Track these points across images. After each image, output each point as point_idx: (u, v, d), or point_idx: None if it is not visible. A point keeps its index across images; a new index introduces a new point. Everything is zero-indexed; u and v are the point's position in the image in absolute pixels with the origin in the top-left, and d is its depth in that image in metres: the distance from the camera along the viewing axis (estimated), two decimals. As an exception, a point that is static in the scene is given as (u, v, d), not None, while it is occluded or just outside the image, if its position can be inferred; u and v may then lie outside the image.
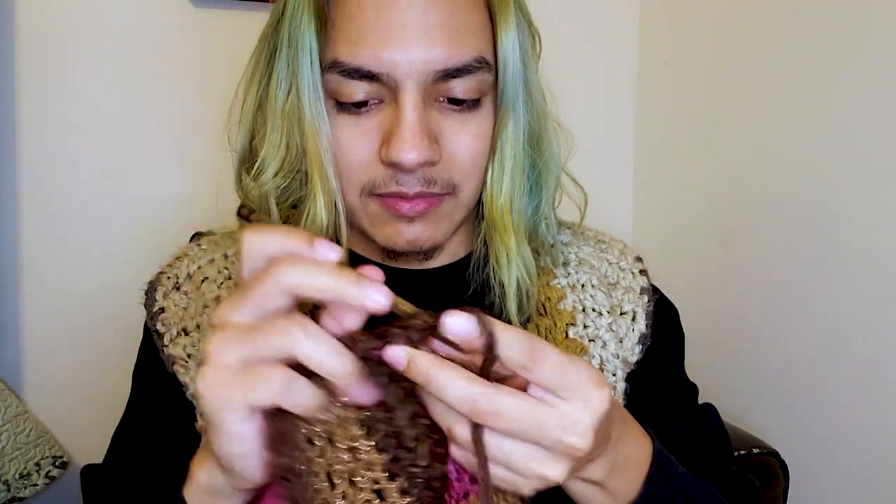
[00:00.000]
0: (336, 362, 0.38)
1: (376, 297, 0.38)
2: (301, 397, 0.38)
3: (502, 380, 0.40)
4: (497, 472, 0.40)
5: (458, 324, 0.38)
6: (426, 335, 0.39)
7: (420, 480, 0.40)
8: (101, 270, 1.17)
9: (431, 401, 0.40)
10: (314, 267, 0.38)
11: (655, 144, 1.43)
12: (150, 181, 1.20)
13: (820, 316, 1.04)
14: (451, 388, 0.38)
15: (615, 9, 1.43)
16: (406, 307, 0.40)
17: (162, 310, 0.66)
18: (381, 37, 0.54)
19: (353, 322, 0.39)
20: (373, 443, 0.39)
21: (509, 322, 0.62)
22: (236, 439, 0.39)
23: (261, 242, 0.40)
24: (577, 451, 0.39)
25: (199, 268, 0.68)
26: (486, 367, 0.39)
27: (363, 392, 0.39)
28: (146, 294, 0.69)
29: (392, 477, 0.39)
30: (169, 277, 0.69)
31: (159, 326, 0.66)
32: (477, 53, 0.57)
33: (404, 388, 0.40)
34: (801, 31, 1.06)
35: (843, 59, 0.99)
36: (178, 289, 0.67)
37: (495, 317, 0.63)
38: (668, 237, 1.39)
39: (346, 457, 0.39)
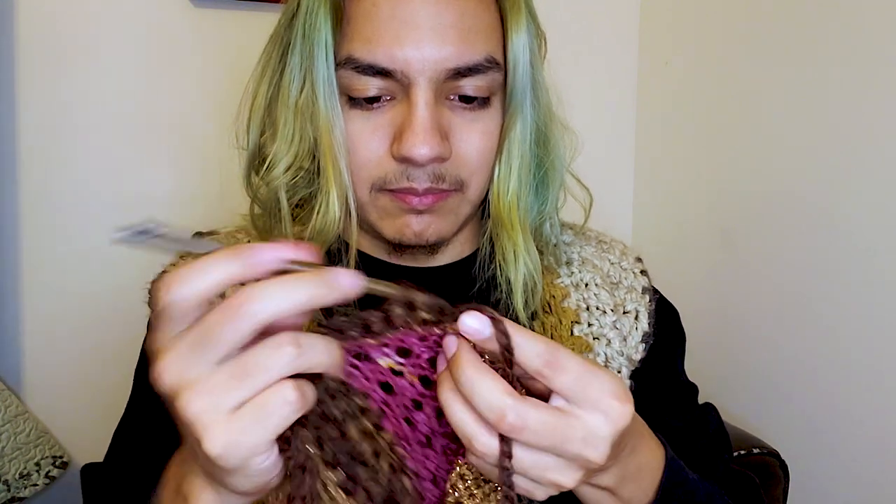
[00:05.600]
0: (334, 361, 0.38)
1: (349, 287, 0.37)
2: (312, 398, 0.38)
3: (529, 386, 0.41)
4: (513, 480, 0.40)
5: (473, 324, 0.38)
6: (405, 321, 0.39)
7: (380, 497, 0.39)
8: (101, 270, 1.17)
9: (454, 408, 0.39)
10: (283, 289, 0.36)
11: (656, 144, 1.43)
12: (150, 180, 1.20)
13: (820, 316, 1.04)
14: (484, 393, 0.38)
15: (615, 8, 1.43)
16: (381, 287, 0.40)
17: None
18: (396, 35, 0.56)
19: (301, 320, 0.39)
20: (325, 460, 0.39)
21: (517, 319, 0.62)
22: (265, 473, 0.37)
23: (190, 284, 0.36)
24: (593, 464, 0.40)
25: None
26: (506, 370, 0.39)
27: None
28: (150, 293, 0.68)
29: (347, 493, 0.39)
30: None
31: None
32: (487, 53, 0.58)
33: (358, 404, 0.40)
34: (802, 30, 1.06)
35: (844, 59, 0.99)
36: None
37: (501, 314, 0.63)
38: (668, 237, 1.39)
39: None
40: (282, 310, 0.36)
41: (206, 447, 0.36)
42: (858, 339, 0.98)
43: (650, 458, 0.50)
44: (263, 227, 0.65)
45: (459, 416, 0.39)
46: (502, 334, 0.38)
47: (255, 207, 0.67)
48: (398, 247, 0.64)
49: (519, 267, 0.63)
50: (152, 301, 0.35)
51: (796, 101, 1.07)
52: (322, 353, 0.37)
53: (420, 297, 0.40)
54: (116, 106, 1.18)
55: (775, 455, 1.00)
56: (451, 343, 0.40)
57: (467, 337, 0.39)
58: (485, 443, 0.39)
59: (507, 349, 0.38)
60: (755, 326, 1.16)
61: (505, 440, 0.39)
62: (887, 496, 0.95)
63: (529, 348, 0.39)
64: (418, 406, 0.42)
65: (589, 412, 0.39)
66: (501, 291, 0.64)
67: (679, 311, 0.75)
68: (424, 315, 0.40)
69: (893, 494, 0.94)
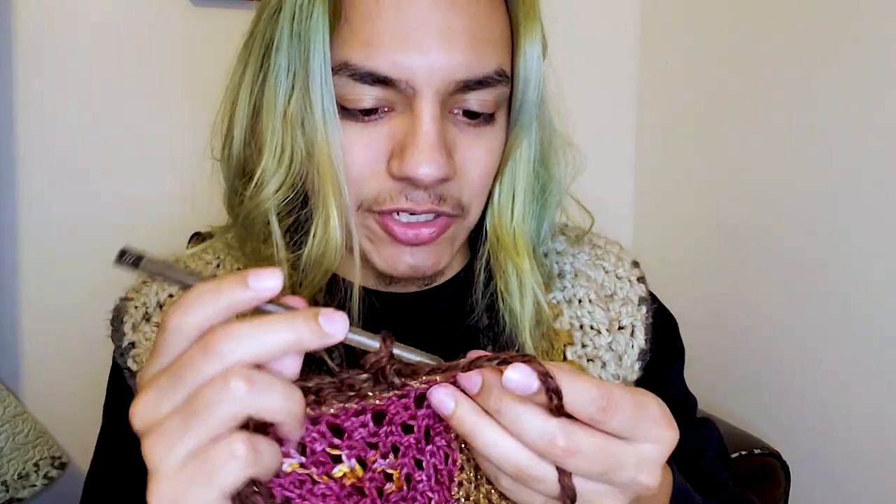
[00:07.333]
0: (292, 404, 0.34)
1: (335, 331, 0.35)
2: (269, 459, 0.34)
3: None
4: None
5: (519, 379, 0.35)
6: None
7: None
8: (99, 270, 1.15)
9: (490, 437, 0.37)
10: (258, 330, 0.34)
11: (656, 144, 1.43)
12: (149, 181, 1.20)
13: (821, 316, 1.04)
14: (526, 423, 0.36)
15: (616, 7, 1.43)
16: (364, 339, 0.37)
17: (133, 345, 0.62)
18: (399, 38, 0.50)
19: (293, 366, 0.36)
20: None
21: (522, 351, 0.58)
22: None
23: (189, 316, 0.34)
24: (646, 490, 0.38)
25: (171, 296, 0.64)
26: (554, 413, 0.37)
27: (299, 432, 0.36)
28: (112, 324, 0.64)
29: None
30: (136, 307, 0.64)
31: (131, 364, 0.61)
32: (498, 65, 0.53)
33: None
34: (803, 29, 1.06)
35: (846, 57, 0.99)
36: (147, 320, 0.63)
37: (507, 345, 0.59)
38: (669, 237, 1.38)
39: None
40: (256, 353, 0.33)
41: (150, 497, 0.33)
42: (859, 339, 0.98)
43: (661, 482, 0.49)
44: (252, 252, 0.59)
45: (501, 445, 0.36)
46: (554, 393, 0.35)
47: (240, 229, 0.60)
48: (390, 278, 0.59)
49: (526, 297, 0.58)
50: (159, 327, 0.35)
51: (797, 101, 1.07)
52: (278, 397, 0.34)
53: (405, 355, 0.37)
54: (115, 105, 1.17)
55: (776, 456, 1.00)
56: (473, 379, 0.37)
57: (513, 393, 0.36)
58: (542, 471, 0.36)
59: (558, 407, 0.36)
60: (756, 327, 1.16)
61: (563, 471, 0.36)
62: (888, 496, 0.95)
63: (582, 396, 0.36)
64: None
65: (640, 441, 0.37)
66: (504, 321, 0.59)
67: (679, 311, 0.72)
68: (395, 379, 0.37)
69: (894, 495, 0.94)
